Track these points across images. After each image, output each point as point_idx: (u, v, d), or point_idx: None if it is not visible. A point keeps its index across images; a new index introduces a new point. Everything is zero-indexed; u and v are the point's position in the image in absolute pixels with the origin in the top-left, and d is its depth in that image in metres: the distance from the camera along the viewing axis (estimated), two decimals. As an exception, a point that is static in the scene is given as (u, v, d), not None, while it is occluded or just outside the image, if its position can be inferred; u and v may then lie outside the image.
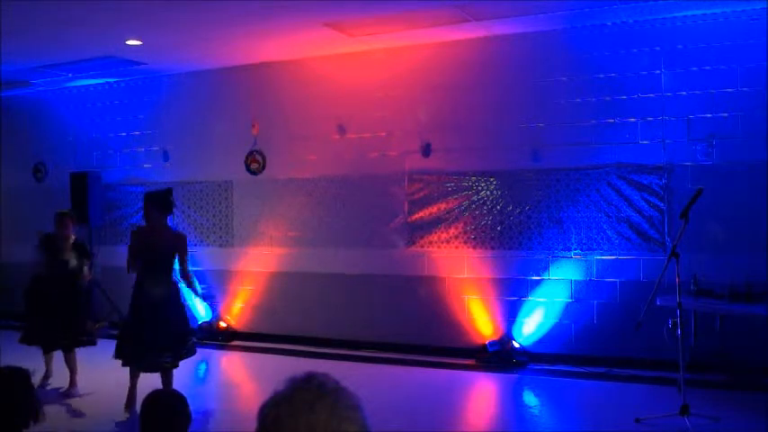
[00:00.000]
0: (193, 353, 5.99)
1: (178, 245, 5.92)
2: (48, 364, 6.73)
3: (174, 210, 6.82)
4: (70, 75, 9.29)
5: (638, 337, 6.20)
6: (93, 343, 6.70)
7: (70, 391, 6.53)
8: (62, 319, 6.47)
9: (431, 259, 7.96)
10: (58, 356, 6.70)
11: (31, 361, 2.83)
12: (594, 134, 7.20)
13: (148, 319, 5.72)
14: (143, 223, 6.21)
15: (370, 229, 8.24)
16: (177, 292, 5.97)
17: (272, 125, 8.76)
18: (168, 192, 6.03)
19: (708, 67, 6.77)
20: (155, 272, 5.82)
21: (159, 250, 5.84)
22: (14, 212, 10.55)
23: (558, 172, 7.33)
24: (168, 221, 6.05)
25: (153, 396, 2.92)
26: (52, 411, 5.71)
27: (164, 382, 5.77)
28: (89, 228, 9.35)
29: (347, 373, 1.68)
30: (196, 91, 9.26)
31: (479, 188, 7.69)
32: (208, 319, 8.94)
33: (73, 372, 6.60)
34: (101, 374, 6.78)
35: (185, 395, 2.93)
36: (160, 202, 5.94)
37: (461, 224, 7.77)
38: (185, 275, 5.94)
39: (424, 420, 5.74)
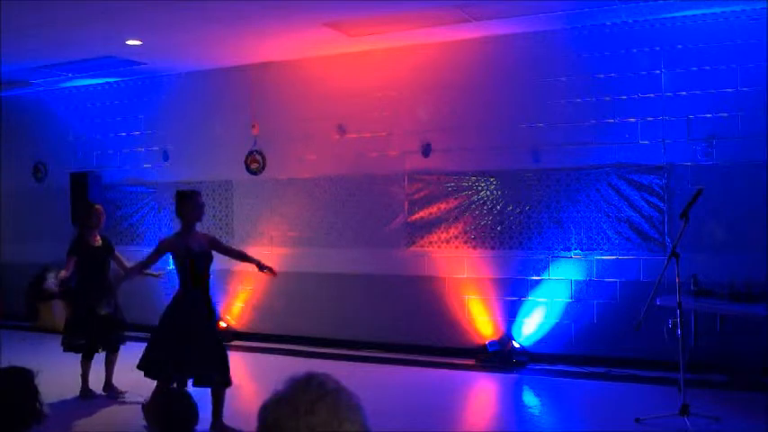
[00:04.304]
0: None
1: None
2: (85, 370, 6.46)
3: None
4: (70, 75, 9.29)
5: (638, 337, 6.20)
6: (124, 342, 6.58)
7: (120, 393, 6.40)
8: (105, 318, 6.34)
9: (431, 259, 7.95)
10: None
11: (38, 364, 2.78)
12: (594, 134, 7.20)
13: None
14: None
15: (370, 229, 8.24)
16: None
17: (272, 125, 8.76)
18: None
19: (708, 67, 6.77)
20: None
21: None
22: (14, 212, 10.55)
23: (558, 172, 7.33)
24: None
25: (160, 395, 2.93)
26: (60, 412, 5.70)
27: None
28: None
29: (347, 373, 1.68)
30: (196, 91, 9.26)
31: (479, 188, 7.68)
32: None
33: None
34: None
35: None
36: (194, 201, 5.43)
37: (461, 224, 7.77)
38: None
39: (424, 420, 5.73)
